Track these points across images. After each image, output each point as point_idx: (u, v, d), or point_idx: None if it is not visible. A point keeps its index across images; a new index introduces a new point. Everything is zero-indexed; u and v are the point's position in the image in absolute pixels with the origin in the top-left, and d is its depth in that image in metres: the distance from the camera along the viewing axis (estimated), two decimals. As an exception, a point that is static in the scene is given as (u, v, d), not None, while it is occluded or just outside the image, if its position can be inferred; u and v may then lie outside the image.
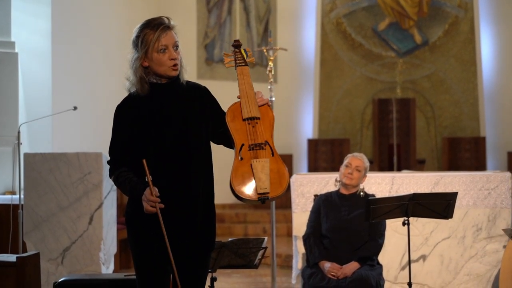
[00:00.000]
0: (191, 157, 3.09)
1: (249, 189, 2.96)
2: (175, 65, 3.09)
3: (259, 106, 3.07)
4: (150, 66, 3.10)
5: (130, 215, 3.16)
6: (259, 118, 3.04)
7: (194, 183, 3.08)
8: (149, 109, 3.11)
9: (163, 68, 3.09)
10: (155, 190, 2.99)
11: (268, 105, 3.12)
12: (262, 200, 2.96)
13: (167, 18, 3.13)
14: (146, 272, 3.11)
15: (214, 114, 3.19)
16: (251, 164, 2.96)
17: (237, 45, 3.24)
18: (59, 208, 6.12)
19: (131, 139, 3.11)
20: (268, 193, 2.94)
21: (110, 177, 3.17)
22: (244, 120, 3.04)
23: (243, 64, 3.18)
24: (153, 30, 3.06)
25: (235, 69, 3.18)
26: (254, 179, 2.95)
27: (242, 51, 3.22)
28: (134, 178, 3.08)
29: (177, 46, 3.11)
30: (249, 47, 12.29)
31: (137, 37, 3.09)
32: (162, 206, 3.00)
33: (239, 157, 2.98)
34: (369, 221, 4.72)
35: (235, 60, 3.20)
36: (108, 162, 3.17)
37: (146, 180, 2.99)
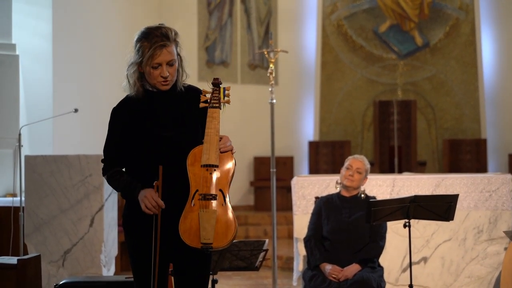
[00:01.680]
0: (186, 158, 3.09)
1: (193, 237, 2.96)
2: (165, 81, 3.09)
3: (221, 152, 3.02)
4: (145, 74, 3.12)
5: (127, 218, 3.18)
6: (217, 166, 3.00)
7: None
8: (144, 111, 3.13)
9: (153, 81, 3.10)
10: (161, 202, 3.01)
11: (231, 152, 3.06)
12: (205, 250, 2.97)
13: (169, 30, 3.09)
14: (144, 274, 3.12)
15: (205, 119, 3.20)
16: (198, 214, 2.95)
17: (216, 83, 3.14)
18: (60, 210, 6.12)
19: (125, 141, 3.12)
20: (211, 243, 2.94)
21: (103, 176, 3.18)
22: (202, 166, 3.00)
23: (216, 105, 3.08)
24: (149, 44, 3.04)
25: (208, 108, 3.09)
26: (200, 228, 2.95)
27: (221, 90, 3.13)
28: (128, 177, 3.10)
29: (171, 64, 3.08)
30: (250, 49, 12.30)
31: (136, 43, 3.10)
32: (163, 205, 3.00)
33: (192, 203, 2.98)
34: (370, 223, 4.72)
35: (210, 99, 3.10)
36: (102, 161, 3.19)
37: (154, 184, 3.00)
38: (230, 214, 2.98)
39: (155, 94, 3.15)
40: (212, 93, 3.12)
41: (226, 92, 3.13)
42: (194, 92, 3.21)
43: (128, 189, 3.08)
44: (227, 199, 3.00)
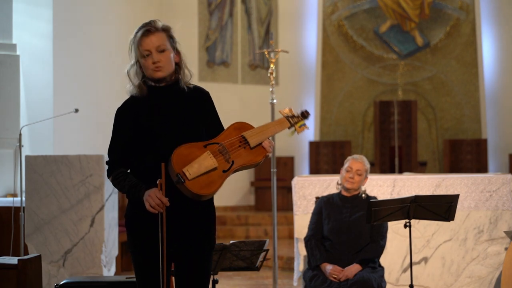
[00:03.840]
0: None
1: (181, 162, 2.96)
2: (157, 67, 3.10)
3: (260, 145, 3.10)
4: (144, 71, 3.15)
5: (130, 218, 3.17)
6: (250, 147, 3.07)
7: None
8: (148, 110, 3.13)
9: (148, 71, 3.12)
10: (166, 199, 3.01)
11: (266, 153, 3.12)
12: (177, 178, 2.94)
13: (157, 21, 3.14)
14: (146, 274, 3.12)
15: (209, 123, 3.21)
16: (204, 153, 2.99)
17: (305, 115, 3.36)
18: (61, 211, 6.13)
19: (130, 140, 3.12)
20: (185, 179, 2.93)
21: (108, 177, 3.17)
22: (241, 135, 3.08)
23: (290, 123, 3.28)
24: (137, 34, 3.11)
25: (286, 119, 3.29)
26: (192, 161, 2.96)
27: (301, 122, 3.33)
28: (133, 178, 3.09)
29: (162, 50, 3.10)
30: (250, 49, 12.31)
31: (130, 44, 3.15)
32: (167, 203, 3.00)
33: (205, 145, 3.03)
34: (370, 223, 4.72)
35: (291, 117, 3.30)
36: (107, 163, 3.19)
37: (158, 182, 3.00)
38: (220, 182, 2.99)
39: (158, 89, 3.16)
40: (296, 116, 3.33)
41: (303, 126, 3.34)
42: (202, 94, 3.23)
43: (134, 191, 3.07)
44: (230, 173, 3.02)
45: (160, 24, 3.12)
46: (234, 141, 3.06)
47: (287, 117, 3.29)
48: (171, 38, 3.15)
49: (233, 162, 3.03)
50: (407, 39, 12.73)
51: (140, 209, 3.07)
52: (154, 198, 2.98)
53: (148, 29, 3.09)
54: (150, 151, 3.10)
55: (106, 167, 3.21)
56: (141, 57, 3.10)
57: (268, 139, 3.14)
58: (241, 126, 3.13)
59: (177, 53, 3.17)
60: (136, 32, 3.11)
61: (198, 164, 2.96)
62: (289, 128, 3.29)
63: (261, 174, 11.81)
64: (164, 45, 3.10)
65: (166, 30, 3.14)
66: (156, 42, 3.08)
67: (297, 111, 3.35)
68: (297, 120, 3.31)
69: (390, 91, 12.57)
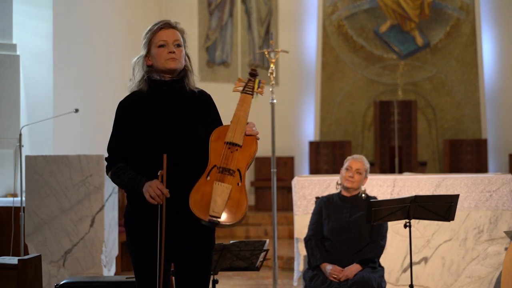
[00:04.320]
0: (190, 153, 3.10)
1: (202, 208, 2.95)
2: (172, 58, 3.13)
3: (246, 135, 3.07)
4: (152, 64, 3.17)
5: (129, 218, 3.17)
6: (240, 146, 3.04)
7: (194, 179, 3.07)
8: (150, 106, 3.14)
9: (161, 61, 3.14)
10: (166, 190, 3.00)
11: (256, 138, 3.11)
12: (211, 223, 2.94)
13: (175, 21, 3.22)
14: (146, 274, 3.11)
15: (211, 125, 3.20)
16: (213, 185, 2.96)
17: (253, 74, 3.23)
18: (61, 211, 6.13)
19: (130, 136, 3.13)
20: (219, 218, 2.93)
21: (107, 172, 3.17)
22: (225, 143, 3.04)
23: (250, 92, 3.18)
24: (155, 26, 3.17)
25: (241, 93, 3.19)
26: (211, 200, 2.94)
27: (256, 82, 3.22)
28: (132, 172, 3.09)
29: (178, 45, 3.16)
30: (250, 49, 12.31)
31: (143, 36, 3.19)
32: (167, 194, 2.99)
33: (206, 177, 2.99)
34: (370, 223, 4.72)
35: (245, 86, 3.20)
36: (106, 159, 3.19)
37: (159, 174, 2.99)
38: (244, 194, 2.99)
39: (163, 84, 3.17)
40: (248, 81, 3.21)
41: (261, 84, 3.22)
42: (207, 98, 3.26)
43: (133, 183, 3.06)
44: (243, 181, 3.01)
45: (179, 25, 3.21)
46: (225, 153, 3.03)
47: (243, 90, 3.20)
48: (184, 41, 3.22)
49: (238, 170, 3.02)
50: (407, 39, 12.73)
51: (139, 208, 3.07)
52: (154, 189, 2.98)
53: (169, 23, 3.18)
54: (149, 148, 3.10)
55: (106, 163, 3.21)
56: (155, 47, 3.14)
57: (247, 123, 3.11)
58: (218, 134, 3.08)
59: (187, 56, 3.23)
60: (154, 25, 3.17)
61: (216, 198, 2.96)
62: (253, 96, 3.21)
63: (261, 174, 11.81)
64: (180, 41, 3.18)
65: (182, 32, 3.22)
66: (175, 36, 3.16)
67: (246, 77, 3.26)
68: (252, 84, 3.22)
69: (390, 91, 12.57)
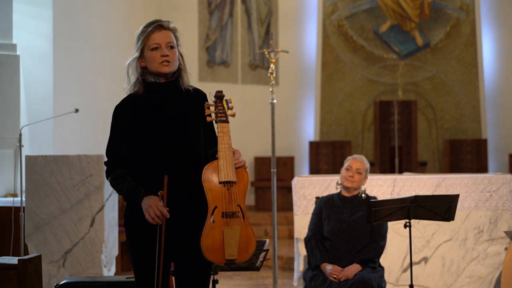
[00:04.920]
0: (190, 154, 3.11)
1: (216, 253, 3.01)
2: (166, 61, 3.12)
3: (236, 168, 3.07)
4: (146, 66, 3.16)
5: (129, 218, 3.17)
6: (235, 182, 3.04)
7: (193, 181, 3.08)
8: (147, 108, 3.14)
9: (154, 64, 3.13)
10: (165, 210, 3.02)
11: (245, 167, 3.11)
12: (228, 264, 3.03)
13: (167, 21, 3.20)
14: (145, 274, 3.11)
15: (208, 124, 3.20)
16: (222, 231, 2.99)
17: (219, 96, 3.15)
18: (61, 211, 6.13)
19: (128, 137, 3.13)
20: (235, 259, 3.02)
21: (107, 178, 3.18)
22: (220, 183, 3.03)
23: (224, 120, 3.10)
24: (147, 28, 3.15)
25: (215, 123, 3.12)
26: (224, 245, 3.00)
27: (224, 103, 3.14)
28: (132, 181, 3.10)
29: (171, 46, 3.15)
30: (251, 49, 12.31)
31: (136, 37, 3.18)
32: (167, 215, 3.01)
33: (211, 220, 3.01)
34: (370, 224, 4.72)
35: (217, 113, 3.12)
36: (105, 163, 3.19)
37: (159, 194, 3.02)
38: (249, 228, 3.06)
39: (158, 86, 3.17)
40: (216, 106, 3.13)
41: (230, 105, 3.15)
42: (202, 97, 3.24)
43: (132, 194, 3.08)
44: (245, 214, 3.05)
45: (171, 24, 3.19)
46: (223, 194, 3.03)
47: (217, 120, 3.10)
48: (177, 39, 3.20)
49: (239, 205, 3.04)
50: (407, 39, 12.73)
51: (139, 209, 3.07)
52: (154, 209, 3.00)
53: (161, 24, 3.15)
54: (148, 150, 3.10)
55: (105, 167, 3.21)
56: (148, 50, 3.13)
57: (232, 155, 3.06)
58: (210, 171, 3.04)
59: (180, 55, 3.21)
60: (146, 27, 3.15)
61: (229, 242, 3.00)
62: (228, 122, 3.12)
63: (261, 174, 11.82)
64: (173, 43, 3.16)
65: (175, 31, 3.20)
66: (168, 38, 3.14)
67: (212, 99, 3.16)
68: (221, 107, 3.12)
69: (390, 91, 12.57)
